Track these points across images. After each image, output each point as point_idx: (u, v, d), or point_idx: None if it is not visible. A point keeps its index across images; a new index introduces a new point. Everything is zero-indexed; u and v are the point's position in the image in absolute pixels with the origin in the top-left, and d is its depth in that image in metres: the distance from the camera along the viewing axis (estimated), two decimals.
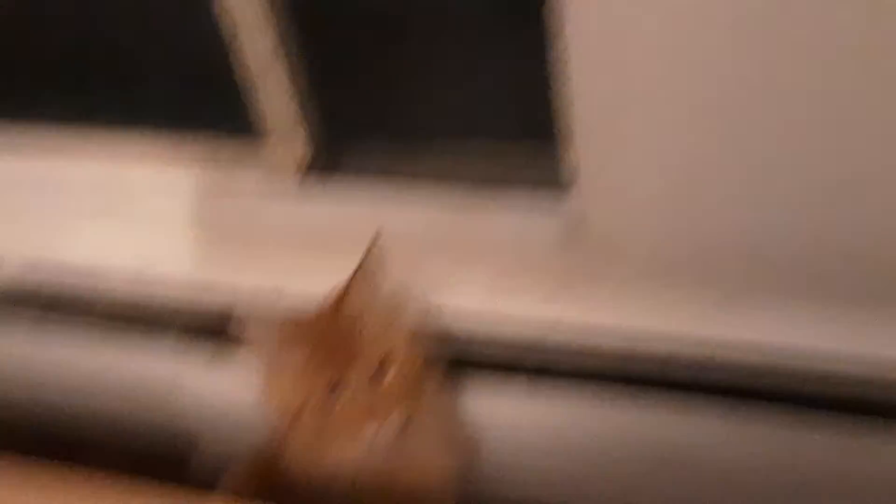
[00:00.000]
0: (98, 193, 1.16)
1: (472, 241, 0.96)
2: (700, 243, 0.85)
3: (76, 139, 1.19)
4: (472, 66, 0.96)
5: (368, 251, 0.80)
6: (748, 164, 0.78)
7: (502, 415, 0.92)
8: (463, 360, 0.92)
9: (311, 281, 0.94)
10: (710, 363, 0.86)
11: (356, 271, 0.80)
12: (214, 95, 1.11)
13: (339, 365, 0.79)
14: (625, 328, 0.90)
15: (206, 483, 0.88)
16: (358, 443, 0.80)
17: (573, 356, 0.92)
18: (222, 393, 1.02)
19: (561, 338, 0.92)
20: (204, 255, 1.12)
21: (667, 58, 0.74)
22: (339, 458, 0.83)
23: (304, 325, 0.81)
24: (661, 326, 0.88)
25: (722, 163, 0.79)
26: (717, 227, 0.83)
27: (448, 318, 0.96)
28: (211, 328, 1.06)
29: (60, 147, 1.21)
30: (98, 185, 1.16)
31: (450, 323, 0.96)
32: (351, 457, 0.83)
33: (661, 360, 0.88)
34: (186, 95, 1.13)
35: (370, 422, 0.79)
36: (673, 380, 0.86)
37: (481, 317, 0.95)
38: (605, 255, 0.90)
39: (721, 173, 0.80)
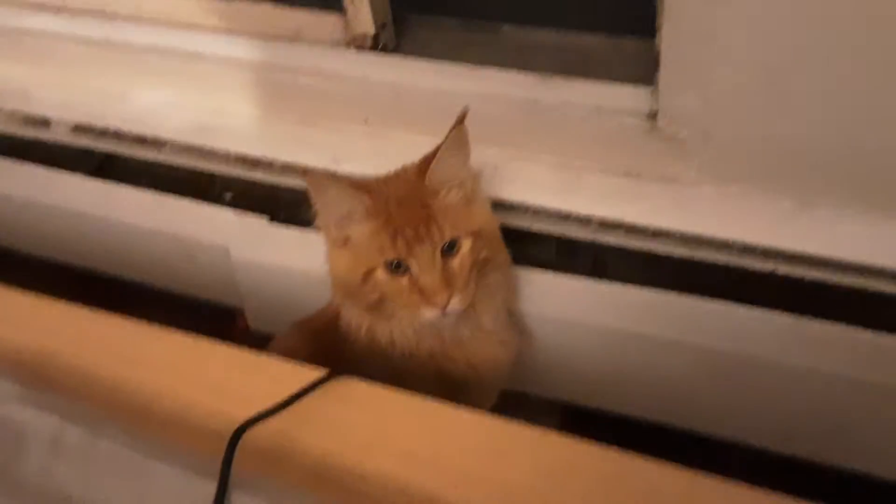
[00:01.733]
0: (156, 58, 1.13)
1: (543, 128, 0.96)
2: (779, 147, 0.85)
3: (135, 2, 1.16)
4: None
5: (455, 127, 0.79)
6: (838, 61, 0.76)
7: (557, 310, 0.92)
8: (526, 249, 0.92)
9: (371, 155, 0.94)
10: (775, 276, 0.86)
11: (441, 145, 0.79)
12: None
13: (412, 235, 0.78)
14: (688, 233, 0.90)
15: (255, 345, 0.87)
16: (418, 317, 0.80)
17: (633, 257, 0.93)
18: (277, 258, 1.01)
19: (623, 237, 0.93)
20: (265, 125, 1.10)
21: None
22: (396, 330, 0.84)
23: (378, 194, 0.81)
24: (728, 234, 0.88)
25: (809, 61, 0.78)
26: (798, 131, 0.83)
27: (514, 205, 0.96)
28: (268, 196, 1.05)
29: (118, 8, 1.18)
30: (157, 50, 1.13)
31: (516, 210, 0.96)
32: (409, 331, 0.84)
33: (722, 269, 0.88)
34: None
35: (434, 297, 0.78)
36: (733, 290, 0.87)
37: (546, 207, 0.95)
38: (676, 154, 0.90)
39: (807, 73, 0.78)
